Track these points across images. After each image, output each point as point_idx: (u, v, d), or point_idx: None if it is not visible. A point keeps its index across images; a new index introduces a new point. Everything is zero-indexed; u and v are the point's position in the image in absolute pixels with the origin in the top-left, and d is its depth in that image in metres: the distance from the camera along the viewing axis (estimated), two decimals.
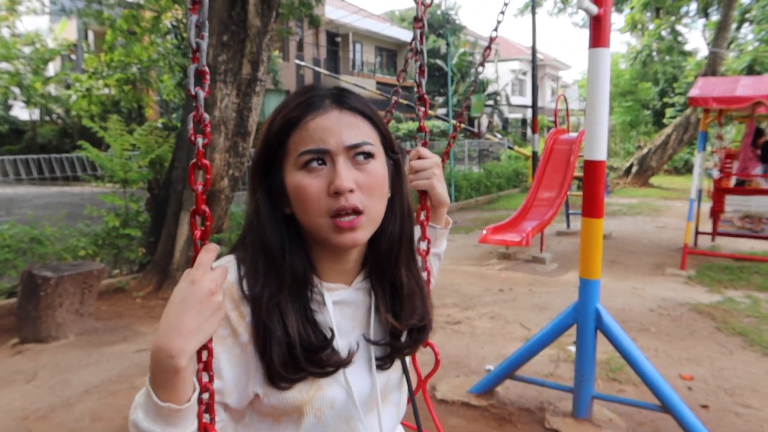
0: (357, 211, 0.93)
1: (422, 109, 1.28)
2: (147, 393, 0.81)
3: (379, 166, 0.97)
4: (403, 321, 1.05)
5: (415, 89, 1.29)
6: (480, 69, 2.15)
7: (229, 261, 0.97)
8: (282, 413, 0.98)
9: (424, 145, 1.28)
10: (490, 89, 31.65)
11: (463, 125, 17.60)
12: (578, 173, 8.30)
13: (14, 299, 4.73)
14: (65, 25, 19.76)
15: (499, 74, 33.02)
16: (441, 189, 1.24)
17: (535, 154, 12.05)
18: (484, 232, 6.88)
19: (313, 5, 11.98)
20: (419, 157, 1.22)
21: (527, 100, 34.45)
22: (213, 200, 6.22)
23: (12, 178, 6.99)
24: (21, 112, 20.48)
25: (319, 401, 0.98)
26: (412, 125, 21.99)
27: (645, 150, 16.92)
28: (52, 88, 19.92)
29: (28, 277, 4.46)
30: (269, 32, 6.11)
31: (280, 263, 0.95)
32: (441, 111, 22.89)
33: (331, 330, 0.98)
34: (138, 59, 14.52)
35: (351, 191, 0.92)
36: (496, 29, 2.19)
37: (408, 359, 1.19)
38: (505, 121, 34.85)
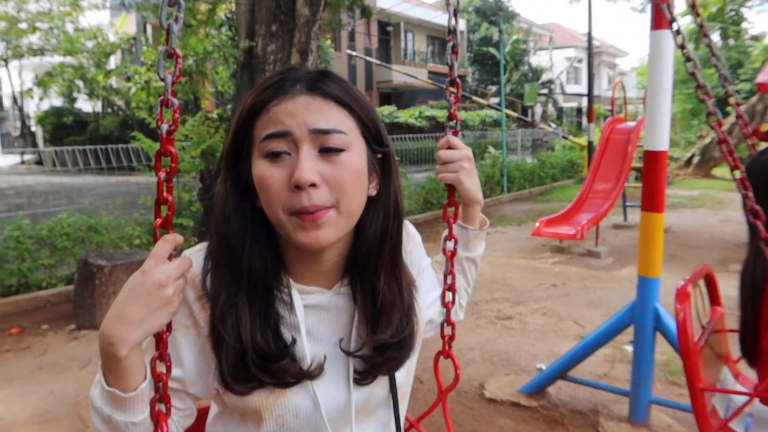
0: (322, 209, 0.82)
1: (454, 93, 1.17)
2: (99, 375, 0.80)
3: (354, 159, 0.85)
4: (376, 334, 0.93)
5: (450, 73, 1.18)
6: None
7: (199, 250, 0.92)
8: (244, 412, 0.92)
9: (455, 134, 1.17)
10: (545, 77, 30.87)
11: (516, 114, 17.22)
12: (636, 164, 7.96)
13: (72, 286, 4.87)
14: (125, 19, 20.44)
15: (554, 62, 32.15)
16: (470, 184, 1.11)
17: (590, 144, 11.66)
18: (537, 224, 6.71)
19: None
20: (448, 147, 1.10)
21: (583, 88, 33.44)
22: None
23: (76, 168, 7.23)
24: (84, 104, 21.30)
25: (281, 408, 0.90)
26: (464, 115, 21.69)
27: (707, 140, 16.11)
28: (113, 81, 20.62)
29: (84, 265, 4.59)
30: (318, 21, 6.07)
31: (238, 260, 0.87)
32: (494, 100, 22.47)
33: (293, 338, 0.89)
34: (194, 51, 14.82)
35: (314, 185, 0.81)
36: None
37: (418, 368, 1.10)
38: (560, 110, 33.93)
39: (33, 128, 21.82)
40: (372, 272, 0.93)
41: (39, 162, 17.88)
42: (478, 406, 3.28)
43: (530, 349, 4.09)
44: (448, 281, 1.14)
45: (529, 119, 19.38)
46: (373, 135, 0.91)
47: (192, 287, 0.88)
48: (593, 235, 7.25)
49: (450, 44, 1.15)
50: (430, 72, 26.67)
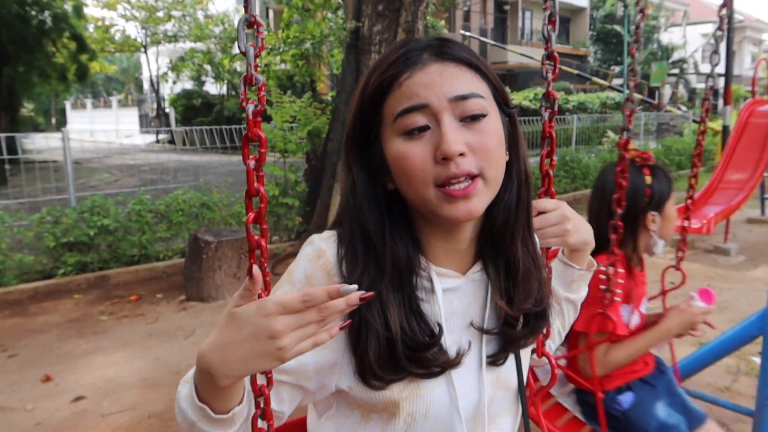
0: (471, 176, 0.78)
1: (551, 69, 1.01)
2: (191, 384, 0.74)
3: (494, 124, 0.81)
4: (516, 305, 0.89)
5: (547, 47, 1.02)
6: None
7: (330, 236, 0.88)
8: (372, 410, 0.86)
9: (552, 115, 1.01)
10: (676, 56, 28.48)
11: (640, 96, 16.01)
12: None
13: (184, 259, 5.16)
14: None
15: (688, 39, 29.55)
16: (577, 238, 1.02)
17: (725, 128, 10.56)
18: None
19: None
20: (539, 213, 0.99)
21: (720, 67, 30.46)
22: None
23: (203, 147, 7.73)
24: (211, 87, 22.67)
25: (413, 404, 0.84)
26: (583, 97, 20.55)
27: None
28: (237, 65, 21.75)
29: (193, 240, 4.84)
30: (425, 0, 5.92)
31: (381, 248, 0.83)
32: (616, 81, 21.09)
33: (439, 325, 0.85)
34: (311, 35, 15.24)
35: (462, 155, 0.77)
36: None
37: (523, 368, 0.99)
38: (692, 92, 31.19)
39: (167, 110, 23.61)
40: (508, 242, 0.89)
41: (171, 141, 19.33)
42: None
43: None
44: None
45: (654, 101, 17.97)
46: (503, 97, 0.87)
47: (325, 275, 0.84)
48: (722, 230, 6.56)
49: (547, 13, 1.01)
50: None
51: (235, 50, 21.32)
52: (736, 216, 6.82)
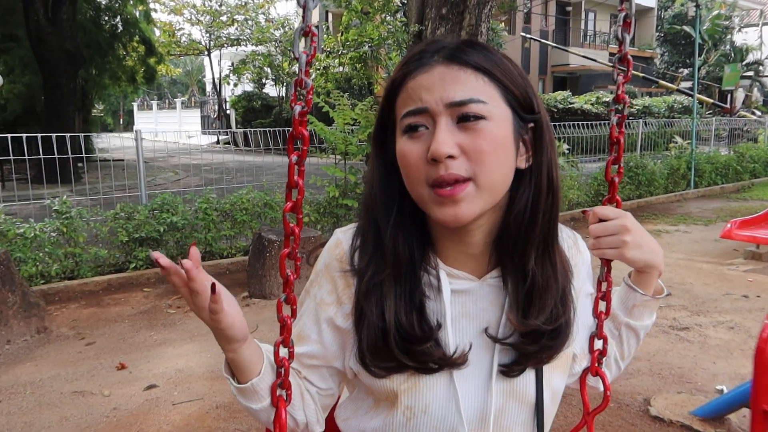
0: (460, 180, 0.78)
1: (623, 72, 0.98)
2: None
3: (495, 128, 0.79)
4: (527, 320, 0.86)
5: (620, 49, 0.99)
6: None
7: (350, 228, 0.93)
8: (378, 396, 0.91)
9: (621, 120, 0.97)
10: (750, 58, 27.15)
11: (711, 100, 15.36)
12: None
13: (247, 257, 5.30)
14: None
15: (764, 40, 28.12)
16: (637, 254, 0.90)
17: None
18: (729, 225, 5.93)
19: None
20: (600, 220, 0.91)
21: None
22: None
23: (261, 148, 7.96)
24: (271, 89, 23.19)
25: (411, 399, 0.86)
26: (649, 101, 19.88)
27: None
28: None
29: (257, 239, 4.96)
30: (489, 3, 5.88)
31: (385, 240, 0.86)
32: (684, 84, 20.30)
33: (439, 322, 0.86)
34: (369, 38, 15.37)
35: (451, 157, 0.77)
36: None
37: (567, 386, 0.96)
38: None
39: (228, 111, 24.30)
40: (522, 251, 0.86)
41: (231, 142, 19.90)
42: (641, 423, 2.95)
43: (710, 367, 3.60)
44: (603, 288, 0.95)
45: (726, 106, 17.20)
46: (522, 102, 0.83)
47: (339, 264, 0.90)
48: None
49: (622, 15, 0.98)
50: (611, 54, 24.85)
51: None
52: None
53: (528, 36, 21.13)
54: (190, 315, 4.51)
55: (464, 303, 0.89)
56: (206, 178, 9.32)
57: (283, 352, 0.84)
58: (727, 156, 12.31)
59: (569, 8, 27.22)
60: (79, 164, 10.75)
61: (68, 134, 6.18)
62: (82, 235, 5.19)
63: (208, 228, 5.78)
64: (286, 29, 21.25)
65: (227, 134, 21.21)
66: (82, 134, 6.11)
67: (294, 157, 0.78)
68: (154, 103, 35.08)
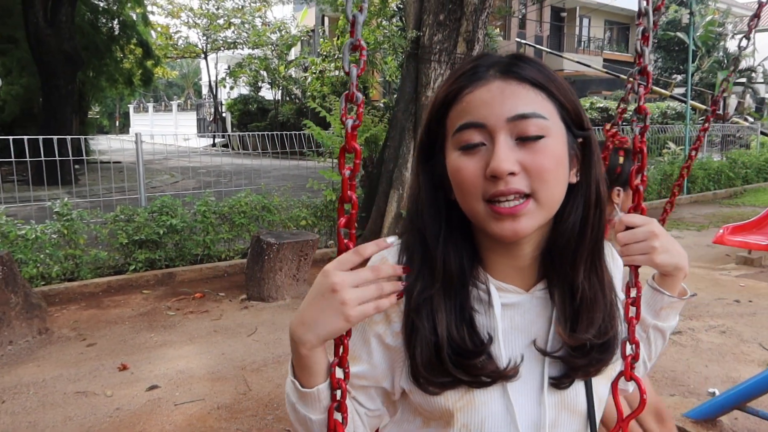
0: (522, 195, 0.78)
1: (643, 85, 1.04)
2: (290, 364, 0.85)
3: (554, 145, 0.79)
4: (576, 334, 0.86)
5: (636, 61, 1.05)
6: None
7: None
8: (430, 416, 0.90)
9: (644, 130, 1.02)
10: (743, 64, 27.36)
11: (703, 107, 15.48)
12: None
13: (245, 259, 5.34)
14: (306, 13, 21.85)
15: (757, 47, 28.36)
16: (666, 259, 0.95)
17: None
18: (721, 230, 6.03)
19: None
20: (627, 228, 0.94)
21: None
22: None
23: (257, 151, 7.97)
24: (267, 93, 23.20)
25: (467, 415, 0.86)
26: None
27: None
28: (292, 71, 22.21)
29: (256, 242, 5.01)
30: (486, 9, 5.96)
31: (434, 254, 0.85)
32: (678, 91, 20.46)
33: (490, 336, 0.86)
34: (365, 42, 15.40)
35: (512, 174, 0.77)
36: None
37: (606, 394, 0.96)
38: (761, 102, 29.90)
39: (224, 114, 24.30)
40: (570, 266, 0.87)
41: (227, 145, 19.91)
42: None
43: (702, 371, 3.67)
44: (632, 294, 0.97)
45: (720, 112, 17.35)
46: (574, 118, 0.84)
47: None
48: None
49: (640, 29, 1.03)
50: (605, 60, 25.02)
51: (290, 57, 21.85)
52: None
53: (523, 41, 21.25)
54: (190, 317, 4.56)
55: (513, 316, 0.89)
56: (203, 181, 9.34)
57: (339, 373, 0.82)
58: (720, 162, 12.43)
59: (564, 14, 27.38)
60: (77, 166, 10.78)
61: (68, 137, 6.21)
62: (82, 237, 5.22)
63: (207, 231, 5.82)
64: (283, 33, 21.29)
65: (223, 137, 21.25)
66: (83, 137, 6.14)
67: (347, 171, 0.77)
68: (150, 105, 35.03)
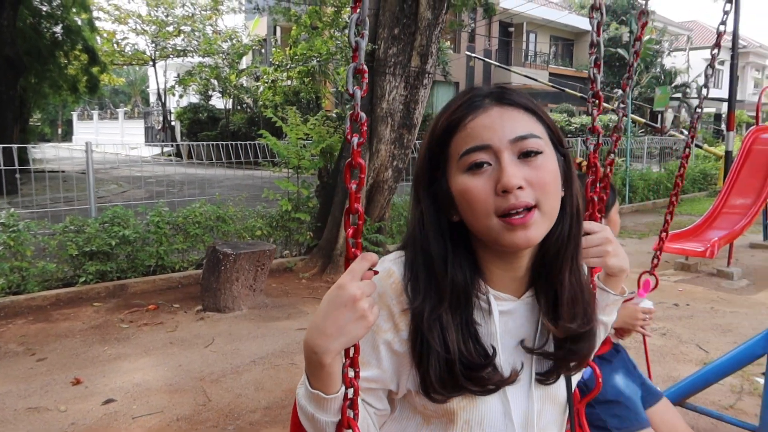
0: (529, 207, 0.87)
1: (596, 108, 1.16)
2: (304, 376, 0.87)
3: (549, 161, 0.90)
4: (560, 326, 0.97)
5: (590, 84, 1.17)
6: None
7: (398, 257, 0.98)
8: (432, 414, 0.98)
9: (597, 147, 1.16)
10: (679, 80, 28.79)
11: (643, 120, 16.20)
12: None
13: (200, 270, 5.29)
14: (258, 22, 21.71)
15: (691, 64, 29.89)
16: (615, 262, 1.12)
17: (729, 154, 10.73)
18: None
19: None
20: (585, 233, 1.09)
21: (724, 92, 30.74)
22: (376, 190, 6.42)
23: (208, 161, 7.85)
24: (217, 101, 22.89)
25: (469, 413, 0.95)
26: (586, 119, 20.77)
27: None
28: (243, 80, 21.99)
29: (212, 252, 4.97)
30: (440, 24, 6.12)
31: (442, 275, 0.92)
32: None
33: (494, 347, 0.94)
34: (318, 53, 15.47)
35: (520, 188, 0.86)
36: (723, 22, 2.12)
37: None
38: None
39: (173, 123, 23.81)
40: (558, 271, 0.96)
41: (177, 154, 19.51)
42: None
43: (644, 370, 3.87)
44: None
45: (658, 125, 18.19)
46: (557, 138, 0.96)
47: (394, 292, 0.94)
48: (725, 254, 6.69)
49: (593, 57, 1.16)
50: (551, 74, 25.83)
51: (241, 66, 21.65)
52: (739, 241, 6.94)
53: (472, 55, 21.74)
54: (144, 329, 4.48)
55: (507, 322, 0.98)
56: (151, 190, 9.15)
57: (351, 372, 0.87)
58: (659, 173, 13.03)
59: (512, 29, 28.18)
60: (16, 175, 10.37)
61: (13, 145, 6.00)
62: (29, 249, 5.06)
63: (160, 241, 5.73)
64: (234, 41, 21.09)
65: (172, 146, 20.80)
66: (26, 145, 5.95)
67: (353, 185, 0.83)
68: (95, 113, 33.93)
